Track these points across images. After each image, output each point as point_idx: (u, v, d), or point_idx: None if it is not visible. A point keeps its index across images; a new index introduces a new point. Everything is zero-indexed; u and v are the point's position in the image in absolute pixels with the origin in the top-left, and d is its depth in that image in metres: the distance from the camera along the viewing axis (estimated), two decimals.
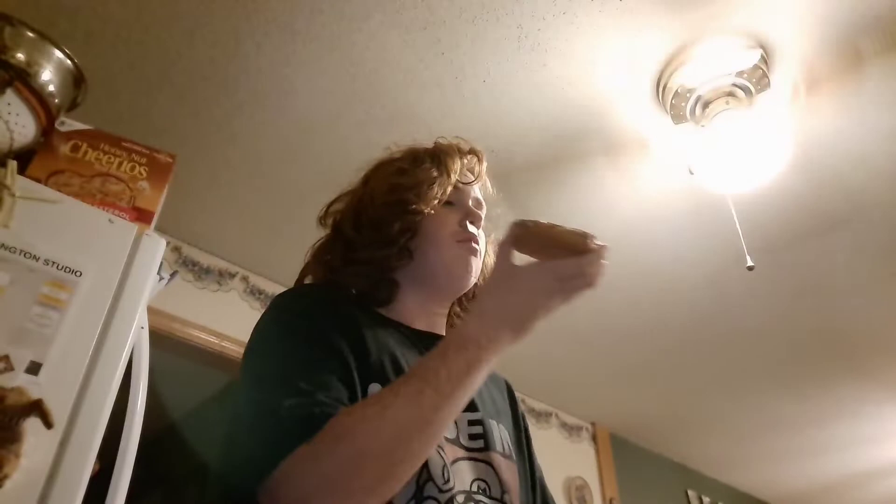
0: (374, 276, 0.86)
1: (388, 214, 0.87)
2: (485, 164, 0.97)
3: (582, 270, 0.64)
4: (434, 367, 0.62)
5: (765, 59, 1.68)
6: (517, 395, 0.98)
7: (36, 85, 1.14)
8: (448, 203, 0.90)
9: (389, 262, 0.86)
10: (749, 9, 1.58)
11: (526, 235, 0.68)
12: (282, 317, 0.77)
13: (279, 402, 0.62)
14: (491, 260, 0.99)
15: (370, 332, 0.76)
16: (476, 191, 0.95)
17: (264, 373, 0.69)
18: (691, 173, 1.90)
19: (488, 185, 1.00)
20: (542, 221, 0.68)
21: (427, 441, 0.61)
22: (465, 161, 0.94)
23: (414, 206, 0.86)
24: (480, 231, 0.91)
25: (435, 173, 0.89)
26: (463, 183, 0.93)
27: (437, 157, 0.92)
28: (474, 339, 0.63)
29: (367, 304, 0.85)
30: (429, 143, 0.97)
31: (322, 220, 0.95)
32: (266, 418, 0.62)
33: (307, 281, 0.92)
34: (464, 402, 0.63)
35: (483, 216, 0.92)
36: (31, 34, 1.15)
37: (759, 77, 1.71)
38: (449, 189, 0.89)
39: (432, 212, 0.87)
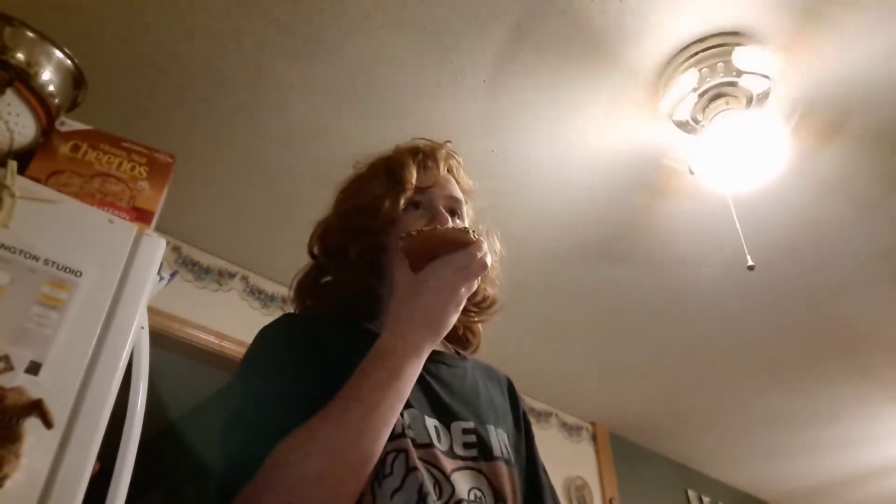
0: (348, 296, 0.89)
1: (346, 240, 0.87)
2: (453, 160, 0.94)
3: (473, 257, 0.71)
4: (356, 382, 0.66)
5: (767, 78, 1.71)
6: (519, 393, 0.96)
7: (36, 85, 1.14)
8: (416, 206, 0.88)
9: (358, 282, 0.88)
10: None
11: (413, 245, 0.73)
12: (256, 356, 0.80)
13: (238, 441, 0.67)
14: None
15: (355, 353, 0.73)
16: (449, 188, 0.91)
17: (235, 410, 0.73)
18: (691, 173, 1.90)
19: (463, 177, 0.95)
20: (423, 228, 0.77)
21: (365, 451, 0.63)
22: (425, 163, 0.91)
23: (369, 227, 0.85)
24: (458, 222, 0.89)
25: (388, 186, 0.87)
26: (424, 187, 0.88)
27: (391, 168, 0.90)
28: (391, 348, 0.68)
29: (354, 323, 0.87)
30: (390, 151, 0.94)
31: (309, 249, 0.95)
32: (227, 455, 0.67)
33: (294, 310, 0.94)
34: (396, 406, 0.66)
35: (459, 210, 0.90)
36: (31, 34, 1.15)
37: (761, 86, 1.72)
38: (408, 195, 0.87)
39: (391, 225, 0.85)
